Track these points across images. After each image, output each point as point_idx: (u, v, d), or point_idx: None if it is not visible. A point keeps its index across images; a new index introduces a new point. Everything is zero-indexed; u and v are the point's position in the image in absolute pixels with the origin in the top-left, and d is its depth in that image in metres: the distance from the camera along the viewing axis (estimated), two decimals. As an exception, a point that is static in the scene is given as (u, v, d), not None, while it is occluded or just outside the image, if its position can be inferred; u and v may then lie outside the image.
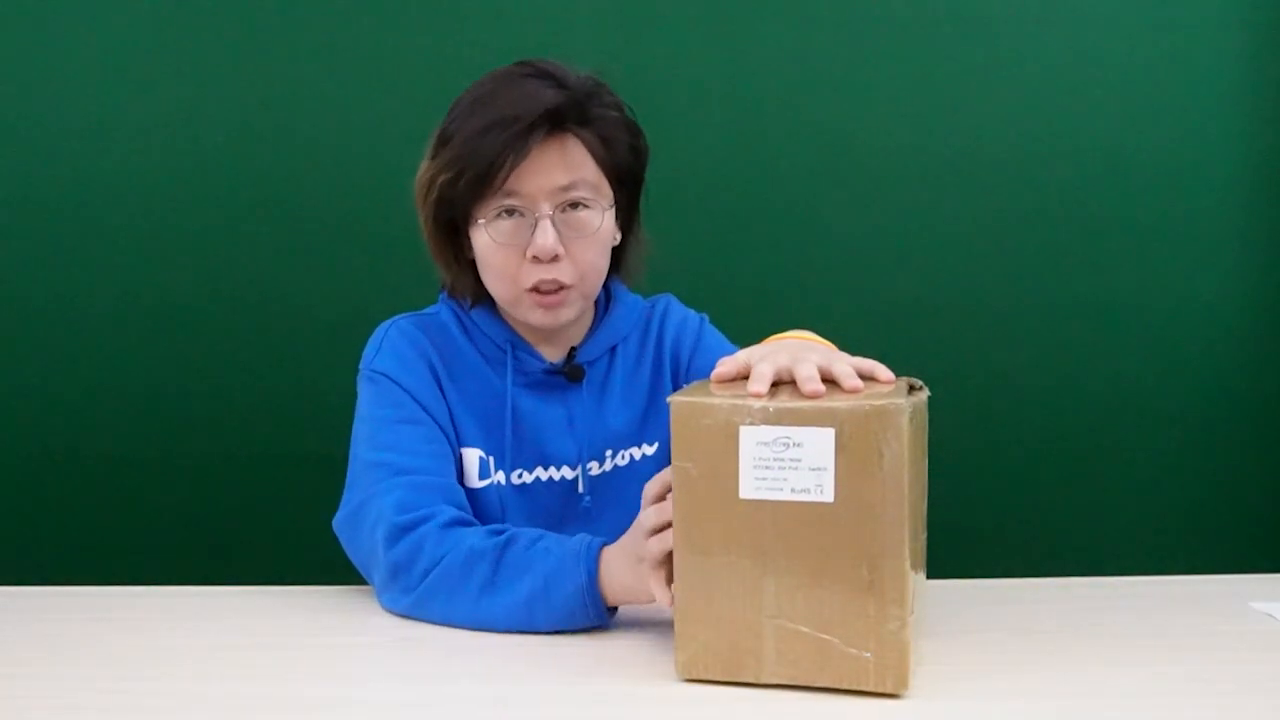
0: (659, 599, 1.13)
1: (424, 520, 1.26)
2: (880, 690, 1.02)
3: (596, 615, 1.19)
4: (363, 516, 1.30)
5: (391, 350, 1.39)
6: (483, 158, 1.29)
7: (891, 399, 1.00)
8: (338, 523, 1.34)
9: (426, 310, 1.45)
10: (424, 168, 1.36)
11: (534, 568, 1.20)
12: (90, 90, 1.91)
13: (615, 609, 1.22)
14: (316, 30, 1.92)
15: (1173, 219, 2.00)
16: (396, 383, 1.36)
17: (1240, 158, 2.00)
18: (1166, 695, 1.05)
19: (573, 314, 1.37)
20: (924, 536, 1.12)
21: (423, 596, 1.24)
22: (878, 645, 1.01)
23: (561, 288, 1.33)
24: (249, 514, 1.96)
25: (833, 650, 1.02)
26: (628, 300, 1.48)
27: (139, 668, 1.13)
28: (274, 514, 1.94)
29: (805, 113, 1.97)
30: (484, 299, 1.41)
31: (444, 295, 1.45)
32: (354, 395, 1.41)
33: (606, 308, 1.46)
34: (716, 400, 1.03)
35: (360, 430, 1.37)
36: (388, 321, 1.43)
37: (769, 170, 1.97)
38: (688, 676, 1.06)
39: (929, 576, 1.15)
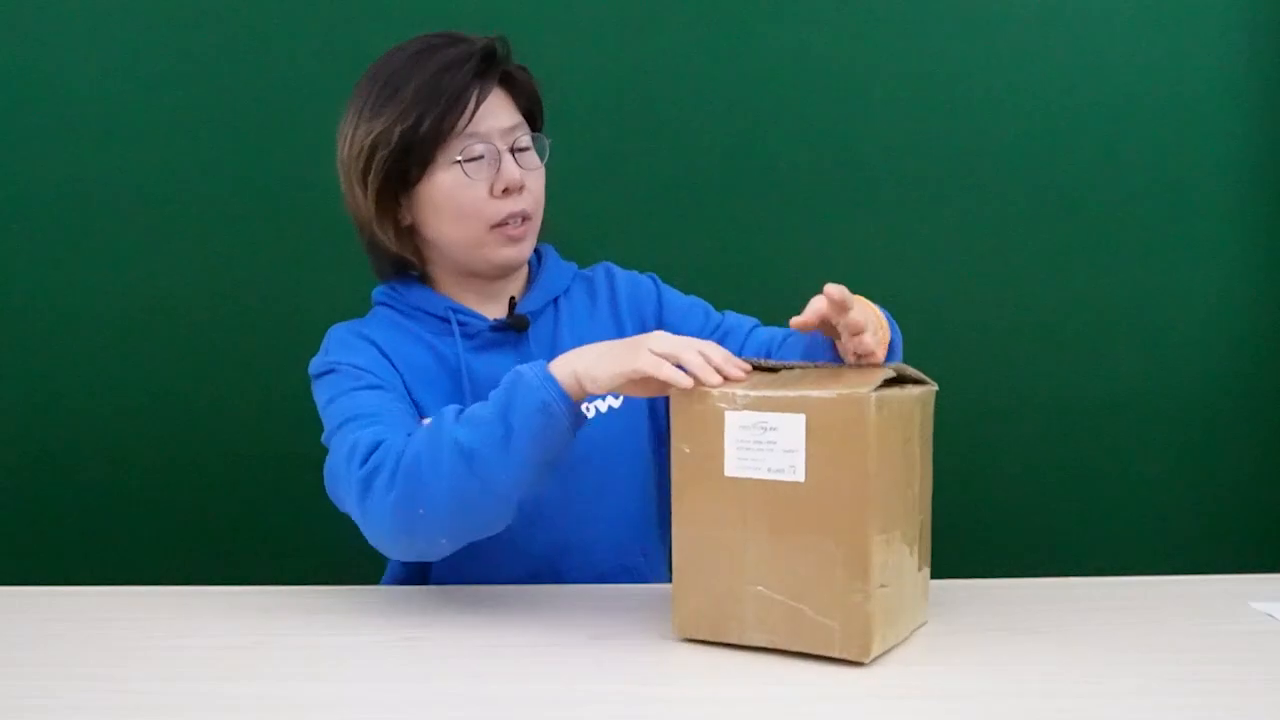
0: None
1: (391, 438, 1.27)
2: (844, 657, 1.08)
3: (561, 398, 1.18)
4: (339, 459, 1.30)
5: (336, 344, 1.42)
6: (446, 95, 1.34)
7: (857, 389, 1.07)
8: (325, 478, 1.33)
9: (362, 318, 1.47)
10: (361, 132, 1.37)
11: (492, 396, 1.23)
12: (90, 90, 1.91)
13: (579, 409, 1.21)
14: (316, 31, 1.92)
15: (1173, 219, 2.00)
16: (348, 363, 1.38)
17: (1240, 158, 2.00)
18: (1166, 695, 1.05)
19: (530, 249, 1.43)
20: (922, 520, 1.17)
21: (405, 481, 1.21)
22: (843, 615, 1.08)
23: (526, 219, 1.39)
24: (249, 514, 1.96)
25: (803, 618, 1.10)
26: (557, 257, 1.53)
27: (139, 668, 1.13)
28: (274, 514, 1.94)
29: (805, 113, 1.97)
30: (422, 269, 1.46)
31: (378, 294, 1.48)
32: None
33: (540, 264, 1.50)
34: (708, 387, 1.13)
35: (326, 414, 1.37)
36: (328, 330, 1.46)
37: (769, 170, 1.97)
38: (682, 636, 1.16)
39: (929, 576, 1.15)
